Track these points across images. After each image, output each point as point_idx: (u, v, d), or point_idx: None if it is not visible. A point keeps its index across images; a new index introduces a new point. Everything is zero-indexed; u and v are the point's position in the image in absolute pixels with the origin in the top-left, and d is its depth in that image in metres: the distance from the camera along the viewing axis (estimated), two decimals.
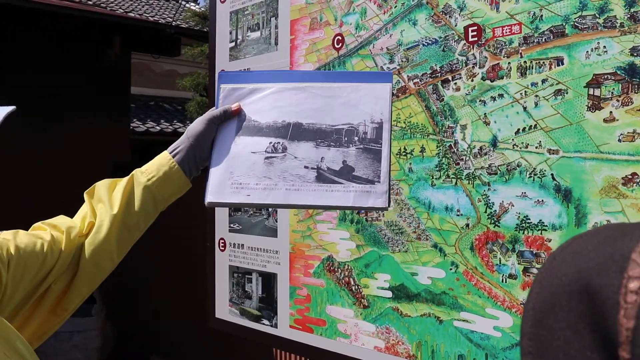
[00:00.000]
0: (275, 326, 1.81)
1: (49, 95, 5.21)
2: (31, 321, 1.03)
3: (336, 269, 1.63)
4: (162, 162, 1.13)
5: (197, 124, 1.15)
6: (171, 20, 7.64)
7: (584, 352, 0.39)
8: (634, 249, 0.39)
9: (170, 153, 1.14)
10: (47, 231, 1.06)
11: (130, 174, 1.13)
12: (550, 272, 0.43)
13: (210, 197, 1.12)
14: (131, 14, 7.33)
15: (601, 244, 0.42)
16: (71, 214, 1.14)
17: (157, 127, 9.42)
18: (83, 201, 1.13)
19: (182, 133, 1.19)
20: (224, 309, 2.00)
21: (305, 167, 1.10)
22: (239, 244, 1.94)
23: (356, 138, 1.11)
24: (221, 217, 2.00)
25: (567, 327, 0.40)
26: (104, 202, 1.10)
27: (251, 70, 1.86)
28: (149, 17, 7.82)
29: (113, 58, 5.71)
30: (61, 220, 1.10)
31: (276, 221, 1.81)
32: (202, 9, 8.95)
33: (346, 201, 1.06)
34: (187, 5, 10.47)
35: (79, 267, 1.06)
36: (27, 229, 1.07)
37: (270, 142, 1.14)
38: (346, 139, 1.11)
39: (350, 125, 1.12)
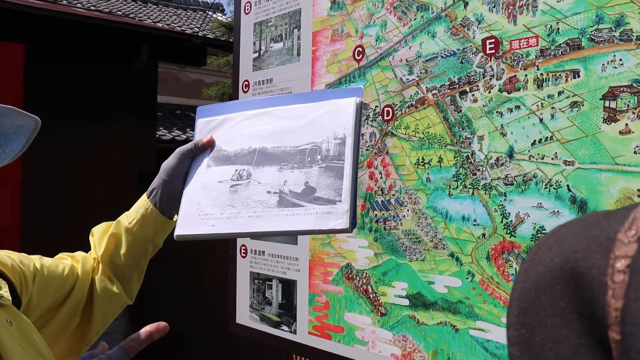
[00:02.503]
0: (294, 332, 1.84)
1: (77, 103, 5.32)
2: (59, 342, 1.11)
3: (354, 277, 1.65)
4: (139, 204, 1.19)
5: (169, 160, 1.18)
6: (198, 30, 7.75)
7: (572, 338, 0.38)
8: (619, 229, 0.38)
9: (147, 194, 1.19)
10: (67, 259, 1.18)
11: (117, 219, 1.21)
12: (535, 260, 0.42)
13: (178, 230, 1.12)
14: (159, 24, 7.46)
15: (586, 228, 0.41)
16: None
17: (183, 136, 9.54)
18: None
19: None
20: (244, 315, 2.03)
21: (268, 192, 1.06)
22: (260, 251, 1.97)
23: (319, 157, 1.06)
24: None
25: (554, 314, 0.39)
26: (95, 245, 1.20)
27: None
28: (176, 27, 7.94)
29: (141, 67, 5.81)
30: (78, 253, 1.22)
31: None
32: (229, 19, 9.06)
33: (307, 224, 1.01)
34: (214, 15, 10.60)
35: (93, 298, 1.16)
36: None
37: (236, 170, 1.12)
38: (309, 158, 1.07)
39: (314, 144, 1.07)
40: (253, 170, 1.10)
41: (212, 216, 1.09)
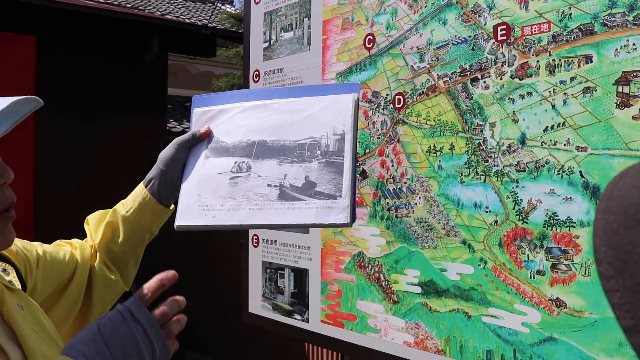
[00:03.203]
0: (307, 321, 1.85)
1: (88, 96, 5.34)
2: (63, 327, 1.13)
3: (366, 265, 1.66)
4: (137, 192, 1.20)
5: (166, 150, 1.18)
6: (207, 22, 7.75)
7: None
8: None
9: (144, 183, 1.20)
10: (66, 246, 1.20)
11: (114, 207, 1.22)
12: (614, 197, 0.42)
13: (178, 221, 1.13)
14: (168, 16, 7.46)
15: None
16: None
17: None
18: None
19: None
20: (256, 304, 2.05)
21: (269, 185, 1.07)
22: (271, 240, 1.98)
23: (318, 152, 1.07)
24: None
25: None
26: (91, 233, 1.22)
27: (282, 64, 1.90)
28: (185, 19, 7.94)
29: (151, 59, 5.82)
30: (75, 240, 1.23)
31: None
32: (237, 10, 9.06)
33: (308, 218, 1.02)
34: (223, 7, 10.59)
35: (92, 285, 1.18)
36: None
37: (236, 162, 1.12)
38: (309, 153, 1.07)
39: (313, 139, 1.08)
40: (252, 163, 1.11)
41: (212, 207, 1.10)
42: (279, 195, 1.06)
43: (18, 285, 0.96)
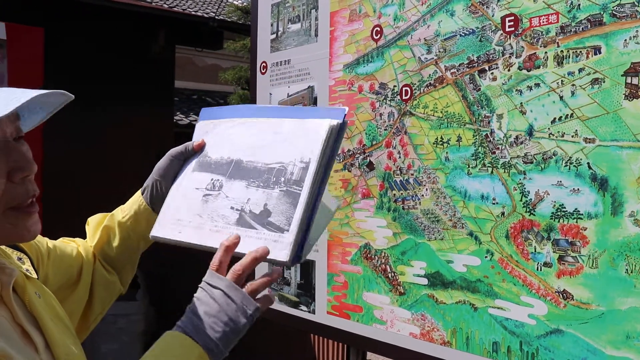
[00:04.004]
0: (313, 312, 1.86)
1: (95, 88, 5.35)
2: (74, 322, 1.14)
3: (373, 257, 1.66)
4: (134, 200, 1.23)
5: (161, 160, 1.21)
6: (214, 14, 7.75)
7: None
8: None
9: (141, 191, 1.23)
10: (72, 243, 1.23)
11: (112, 212, 1.25)
12: None
13: (153, 231, 1.14)
14: (175, 9, 7.47)
15: None
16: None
17: None
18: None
19: None
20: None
21: (231, 207, 1.04)
22: None
23: (282, 179, 1.01)
24: None
25: None
26: (90, 235, 1.25)
27: (292, 61, 1.90)
28: (192, 12, 7.94)
29: (158, 51, 5.83)
30: (78, 239, 1.26)
31: None
32: (244, 3, 9.05)
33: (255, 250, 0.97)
34: (230, 0, 10.58)
35: (93, 284, 1.20)
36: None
37: (212, 179, 1.10)
38: (274, 179, 1.02)
39: (282, 164, 1.03)
40: (225, 182, 1.08)
41: (182, 222, 1.09)
42: (237, 220, 1.02)
43: (34, 274, 0.97)
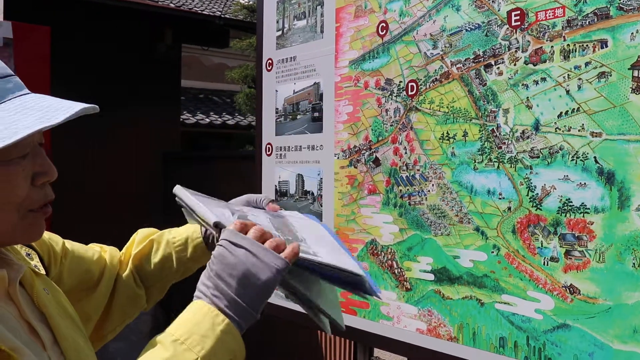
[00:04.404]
0: None
1: (102, 88, 5.37)
2: (89, 326, 1.15)
3: (379, 252, 1.66)
4: (189, 228, 1.23)
5: (236, 199, 1.21)
6: (220, 13, 7.76)
7: None
8: None
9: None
10: (97, 248, 1.23)
11: (164, 230, 1.26)
12: None
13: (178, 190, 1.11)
14: (182, 8, 7.48)
15: None
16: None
17: (207, 119, 9.58)
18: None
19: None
20: None
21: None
22: None
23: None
24: None
25: None
26: (135, 242, 1.25)
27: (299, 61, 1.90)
28: (199, 11, 7.96)
29: (164, 50, 5.85)
30: (106, 245, 1.26)
31: (321, 205, 1.85)
32: (250, 1, 9.05)
33: None
34: None
35: (115, 293, 1.19)
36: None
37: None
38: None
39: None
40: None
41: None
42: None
43: (42, 271, 0.98)
